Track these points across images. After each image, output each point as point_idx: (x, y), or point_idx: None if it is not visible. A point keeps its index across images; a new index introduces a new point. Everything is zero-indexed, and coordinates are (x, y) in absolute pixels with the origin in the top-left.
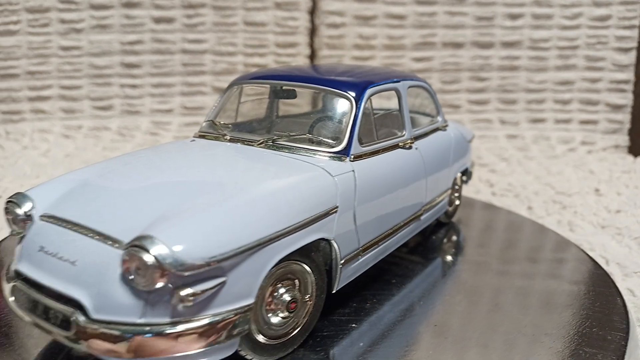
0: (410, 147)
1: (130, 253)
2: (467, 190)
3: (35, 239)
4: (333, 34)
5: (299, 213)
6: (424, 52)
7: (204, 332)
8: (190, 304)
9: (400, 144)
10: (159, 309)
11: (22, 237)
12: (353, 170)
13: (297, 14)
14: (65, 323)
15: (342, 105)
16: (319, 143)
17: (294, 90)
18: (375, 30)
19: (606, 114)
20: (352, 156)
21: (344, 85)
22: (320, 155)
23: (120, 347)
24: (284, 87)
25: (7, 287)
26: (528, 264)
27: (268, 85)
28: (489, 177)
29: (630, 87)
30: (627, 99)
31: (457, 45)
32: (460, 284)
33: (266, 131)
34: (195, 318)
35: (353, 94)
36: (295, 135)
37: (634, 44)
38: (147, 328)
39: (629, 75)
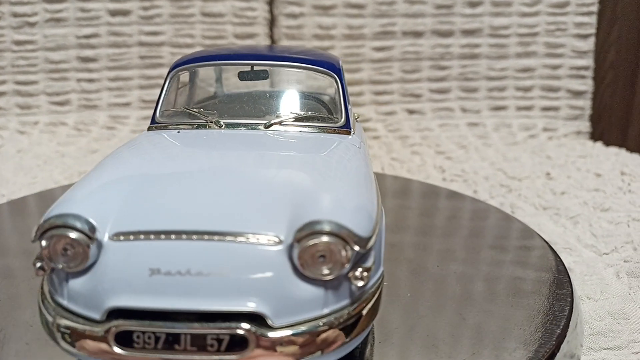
0: None
1: (312, 243)
2: (418, 176)
3: (130, 263)
4: (292, 24)
5: (374, 184)
6: (384, 41)
7: (375, 304)
8: (365, 281)
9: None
10: (338, 294)
11: (67, 272)
12: (360, 142)
13: (255, 4)
14: (236, 344)
15: (328, 83)
16: (323, 120)
17: (267, 70)
18: (335, 20)
19: (567, 101)
20: (353, 130)
21: (323, 64)
22: (328, 131)
23: (311, 345)
24: (255, 68)
25: (108, 334)
26: (472, 238)
27: (232, 66)
28: (442, 164)
29: (589, 73)
30: (587, 85)
31: (417, 34)
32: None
33: (258, 114)
34: (365, 295)
35: (335, 71)
36: (300, 115)
37: (593, 31)
38: (334, 317)
39: (589, 61)
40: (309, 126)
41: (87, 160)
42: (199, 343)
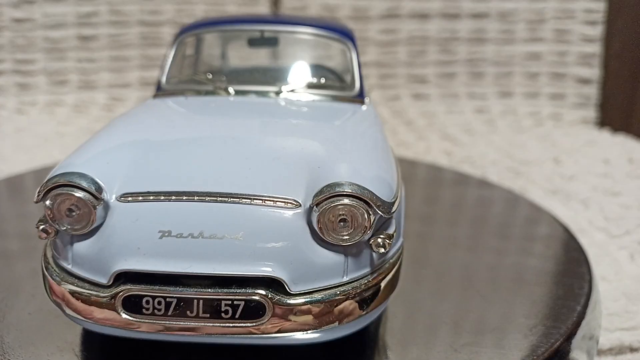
0: None
1: (332, 205)
2: (425, 158)
3: (139, 225)
4: (296, 4)
5: (392, 155)
6: (390, 23)
7: (395, 276)
8: (387, 249)
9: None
10: (359, 262)
11: (74, 234)
12: (375, 113)
13: None
14: (251, 310)
15: (342, 51)
16: (336, 89)
17: (277, 37)
18: (340, 1)
19: (574, 88)
20: (368, 99)
21: (337, 30)
22: (342, 100)
23: (330, 315)
24: (265, 35)
25: (115, 300)
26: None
27: (239, 32)
28: (449, 149)
29: (598, 60)
30: (595, 73)
31: (424, 17)
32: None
33: (269, 81)
34: (385, 265)
35: (348, 38)
36: (313, 83)
37: (601, 17)
38: (353, 286)
39: (597, 48)
40: (321, 95)
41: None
42: (213, 309)
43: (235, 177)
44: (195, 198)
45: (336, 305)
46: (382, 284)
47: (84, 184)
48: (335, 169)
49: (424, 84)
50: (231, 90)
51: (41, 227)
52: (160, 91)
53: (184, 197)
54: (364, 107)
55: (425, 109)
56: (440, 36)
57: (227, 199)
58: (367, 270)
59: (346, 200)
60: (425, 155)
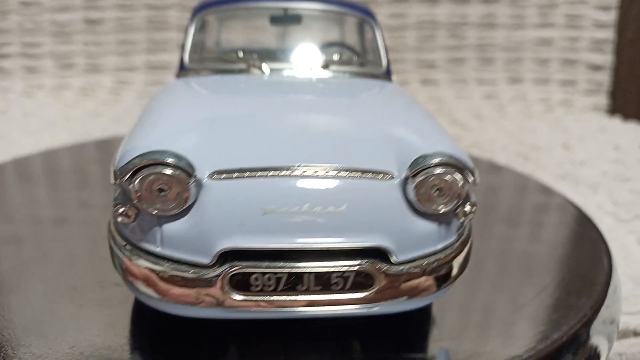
0: None
1: (429, 175)
2: None
3: (240, 202)
4: None
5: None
6: (399, 8)
7: (470, 237)
8: (472, 216)
9: None
10: (449, 230)
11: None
12: (403, 89)
13: None
14: (359, 282)
15: (367, 28)
16: (365, 66)
17: (300, 15)
18: None
19: (586, 74)
20: (394, 77)
21: (360, 8)
22: (372, 77)
23: (431, 281)
24: (288, 12)
25: (222, 279)
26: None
27: (261, 10)
28: (457, 134)
29: (610, 46)
30: (608, 59)
31: (433, 1)
32: None
33: (299, 59)
34: (464, 231)
35: (371, 16)
36: (342, 60)
37: (615, 2)
38: (447, 252)
39: (610, 34)
40: (352, 72)
41: (93, 124)
42: (323, 282)
43: (324, 150)
44: (294, 172)
45: (436, 272)
46: (467, 248)
47: (177, 162)
48: (416, 140)
49: (432, 69)
50: (265, 68)
51: (120, 209)
52: (184, 70)
53: (282, 173)
54: (394, 83)
55: (434, 94)
56: (450, 21)
57: (326, 172)
58: (454, 237)
59: (441, 170)
60: None
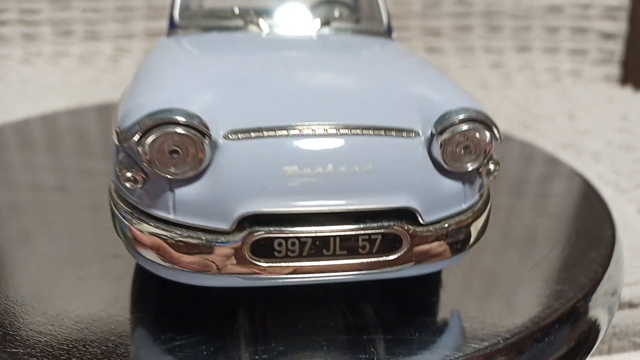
0: None
1: (456, 132)
2: None
3: (260, 164)
4: None
5: None
6: None
7: (489, 201)
8: (496, 174)
9: None
10: (473, 188)
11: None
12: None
13: None
14: (387, 244)
15: None
16: (366, 23)
17: None
18: None
19: (597, 43)
20: (395, 34)
21: None
22: (374, 34)
23: (459, 242)
24: None
25: (243, 246)
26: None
27: None
28: None
29: (624, 14)
30: (621, 27)
31: None
32: None
33: (299, 17)
34: (484, 191)
35: None
36: (343, 18)
37: None
38: (473, 211)
39: (624, 1)
40: (353, 29)
41: (91, 91)
42: (350, 245)
43: (344, 108)
44: (316, 131)
45: (464, 232)
46: (488, 209)
47: (190, 120)
48: (437, 96)
49: (438, 37)
50: (264, 24)
51: (128, 174)
52: (174, 28)
53: (303, 131)
54: (396, 42)
55: (439, 63)
56: None
57: (348, 130)
58: (477, 196)
59: (468, 127)
60: None
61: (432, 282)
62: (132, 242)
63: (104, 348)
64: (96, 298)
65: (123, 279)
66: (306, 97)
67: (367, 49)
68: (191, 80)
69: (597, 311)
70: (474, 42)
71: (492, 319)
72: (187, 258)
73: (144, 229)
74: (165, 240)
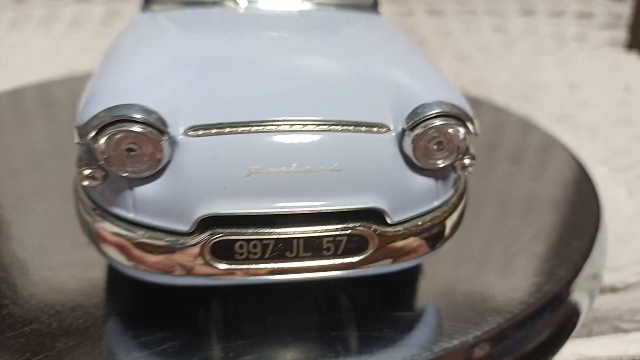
0: None
1: (427, 128)
2: None
3: (221, 162)
4: None
5: None
6: None
7: (464, 194)
8: (471, 169)
9: None
10: (446, 184)
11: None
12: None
13: None
14: (352, 245)
15: None
16: None
17: None
18: None
19: (604, 6)
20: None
21: None
22: (357, 9)
23: (421, 240)
24: None
25: (203, 248)
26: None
27: None
28: (460, 69)
29: None
30: None
31: None
32: None
33: None
34: (460, 185)
35: None
36: None
37: None
38: (444, 209)
39: None
40: (336, 4)
41: (80, 58)
42: (314, 247)
43: (313, 101)
44: (280, 127)
45: (431, 230)
46: (462, 203)
47: (147, 117)
48: (413, 87)
49: None
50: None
51: (86, 172)
52: (149, 3)
53: (267, 127)
54: (382, 17)
55: (440, 26)
56: None
57: (315, 126)
58: (451, 192)
59: (441, 121)
60: None
61: (412, 271)
62: (96, 240)
63: (73, 343)
64: (67, 289)
65: (96, 270)
66: (274, 88)
67: (348, 28)
68: (155, 66)
69: (578, 295)
70: (476, 5)
71: (470, 308)
72: (147, 257)
73: (107, 228)
74: (126, 240)
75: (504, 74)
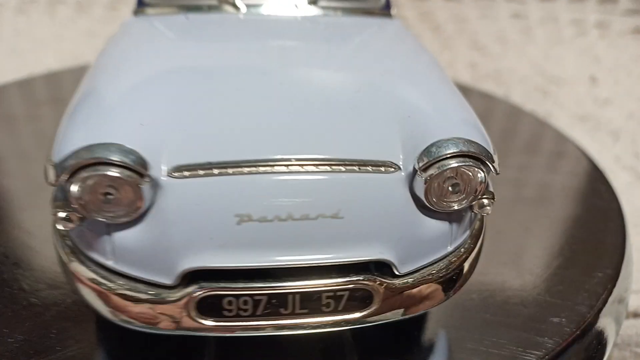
0: None
1: (443, 169)
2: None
3: (207, 208)
4: None
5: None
6: None
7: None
8: (489, 209)
9: None
10: (461, 227)
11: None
12: (405, 29)
13: None
14: (356, 302)
15: None
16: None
17: None
18: None
19: None
20: (395, 10)
21: None
22: (367, 14)
23: (433, 289)
24: None
25: (188, 303)
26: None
27: None
28: (475, 61)
29: None
30: None
31: None
32: None
33: None
34: (475, 224)
35: None
36: None
37: None
38: (458, 253)
39: None
40: (343, 8)
41: (86, 45)
42: (312, 304)
43: (314, 136)
44: (276, 168)
45: (449, 276)
46: (479, 244)
47: (124, 159)
48: (427, 118)
49: None
50: (240, 3)
51: (62, 215)
52: (142, 6)
53: (260, 169)
54: (395, 22)
55: (456, 12)
56: None
57: (315, 167)
58: (467, 234)
59: (458, 162)
60: (447, 69)
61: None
62: (74, 283)
63: None
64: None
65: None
66: (271, 119)
67: (357, 38)
68: (140, 90)
69: (604, 321)
70: None
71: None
72: (128, 307)
73: (84, 273)
74: (107, 290)
75: (522, 65)
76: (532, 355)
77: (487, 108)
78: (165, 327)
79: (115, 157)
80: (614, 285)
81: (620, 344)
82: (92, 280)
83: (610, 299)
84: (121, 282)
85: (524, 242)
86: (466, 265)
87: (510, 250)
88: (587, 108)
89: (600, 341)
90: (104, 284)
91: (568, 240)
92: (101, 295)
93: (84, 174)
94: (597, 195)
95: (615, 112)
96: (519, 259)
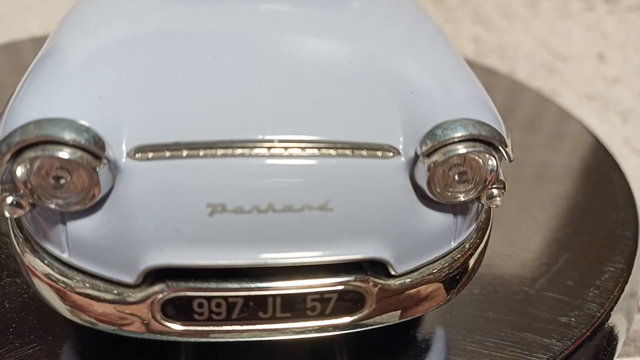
0: None
1: (449, 155)
2: None
3: (174, 196)
4: None
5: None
6: None
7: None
8: (499, 200)
9: None
10: (467, 220)
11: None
12: None
13: None
14: (345, 304)
15: None
16: None
17: None
18: None
19: None
20: None
21: None
22: None
23: (433, 289)
24: None
25: (152, 305)
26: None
27: None
28: (479, 35)
29: None
30: None
31: None
32: None
33: None
34: (482, 215)
35: None
36: None
37: None
38: (462, 249)
39: None
40: None
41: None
42: (295, 307)
43: (300, 113)
44: (255, 151)
45: (449, 278)
46: (485, 238)
47: (77, 137)
48: (432, 95)
49: None
50: None
51: (9, 200)
52: None
53: (237, 151)
54: None
55: None
56: None
57: (301, 150)
58: (473, 227)
59: (466, 148)
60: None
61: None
62: (28, 274)
63: None
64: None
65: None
66: (251, 93)
67: (355, 3)
68: (100, 57)
69: (616, 318)
70: None
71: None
72: (89, 306)
73: (38, 267)
74: (63, 286)
75: (527, 41)
76: (537, 359)
77: (490, 84)
78: (132, 329)
79: (66, 135)
80: (626, 281)
81: (625, 340)
82: (48, 275)
83: (623, 296)
84: (79, 279)
85: (530, 232)
86: (471, 262)
87: (514, 241)
88: (595, 86)
89: (610, 342)
90: (61, 280)
91: (577, 232)
92: (58, 293)
93: (31, 153)
94: (608, 182)
95: (625, 91)
96: (524, 250)
